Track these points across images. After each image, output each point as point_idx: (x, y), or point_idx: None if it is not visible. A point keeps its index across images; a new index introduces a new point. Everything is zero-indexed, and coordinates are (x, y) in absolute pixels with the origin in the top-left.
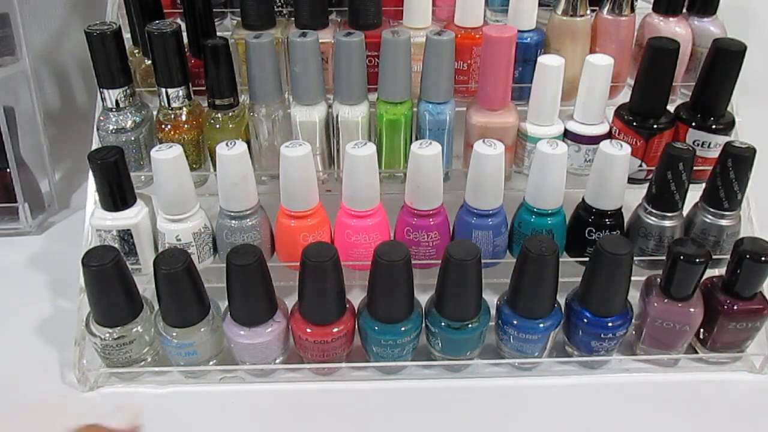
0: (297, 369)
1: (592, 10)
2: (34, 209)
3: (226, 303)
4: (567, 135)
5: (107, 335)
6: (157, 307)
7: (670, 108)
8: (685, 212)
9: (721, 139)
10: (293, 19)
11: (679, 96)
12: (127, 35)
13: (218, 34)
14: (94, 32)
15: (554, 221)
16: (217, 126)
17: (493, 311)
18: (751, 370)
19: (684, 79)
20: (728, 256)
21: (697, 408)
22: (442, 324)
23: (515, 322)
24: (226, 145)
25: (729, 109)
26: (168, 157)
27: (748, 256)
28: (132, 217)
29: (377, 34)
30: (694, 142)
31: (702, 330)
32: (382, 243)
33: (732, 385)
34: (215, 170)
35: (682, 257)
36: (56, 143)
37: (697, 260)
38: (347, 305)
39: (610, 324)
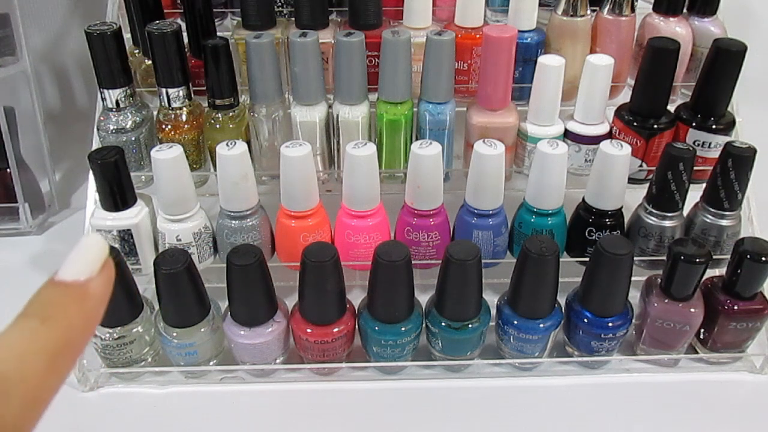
0: (297, 369)
1: (593, 10)
2: (35, 209)
3: (227, 303)
4: (567, 135)
5: (107, 335)
6: (157, 307)
7: (671, 108)
8: (685, 212)
9: (722, 139)
10: (293, 19)
11: (679, 96)
12: (127, 35)
13: (218, 34)
14: (94, 32)
15: (554, 221)
16: (218, 126)
17: (493, 311)
18: (751, 370)
19: (684, 79)
20: (729, 256)
21: (698, 408)
22: (443, 324)
23: (515, 322)
24: (227, 145)
25: (729, 109)
26: (168, 157)
27: (748, 256)
28: (132, 217)
29: (377, 34)
30: (694, 142)
31: (702, 330)
32: (383, 243)
33: (732, 386)
34: (215, 170)
35: (682, 257)
36: (56, 143)
37: (698, 260)
38: (347, 305)
39: (610, 324)
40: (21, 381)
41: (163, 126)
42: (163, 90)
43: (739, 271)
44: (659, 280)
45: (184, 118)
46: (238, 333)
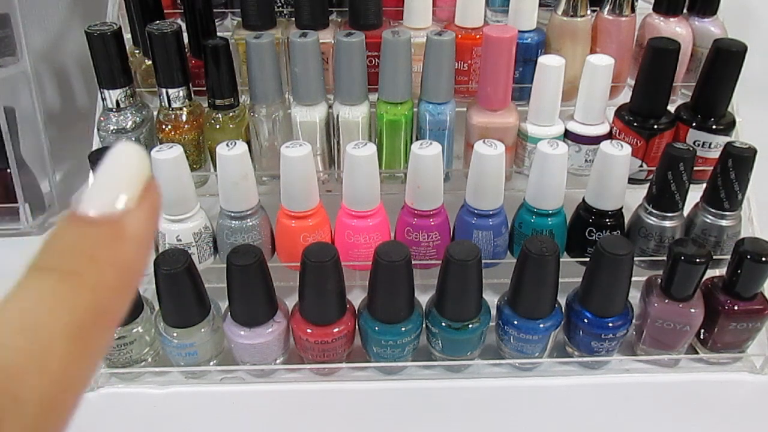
0: (297, 369)
1: (593, 11)
2: (35, 209)
3: (227, 303)
4: (567, 135)
5: None
6: (157, 307)
7: (671, 108)
8: (685, 213)
9: (722, 140)
10: (293, 19)
11: (679, 96)
12: (127, 35)
13: (219, 34)
14: (94, 32)
15: (555, 221)
16: (218, 126)
17: (493, 311)
18: (751, 370)
19: (684, 79)
20: (729, 257)
21: (698, 408)
22: (443, 324)
23: (516, 322)
24: (227, 145)
25: (729, 109)
26: (168, 157)
27: (748, 257)
28: None
29: (378, 34)
30: (694, 143)
31: (702, 330)
32: (383, 243)
33: (732, 386)
34: (215, 170)
35: (682, 257)
36: (57, 143)
37: (698, 260)
38: (348, 305)
39: (610, 324)
40: (37, 374)
41: (164, 126)
42: (164, 90)
43: (739, 271)
44: (659, 280)
45: (184, 118)
46: (238, 333)
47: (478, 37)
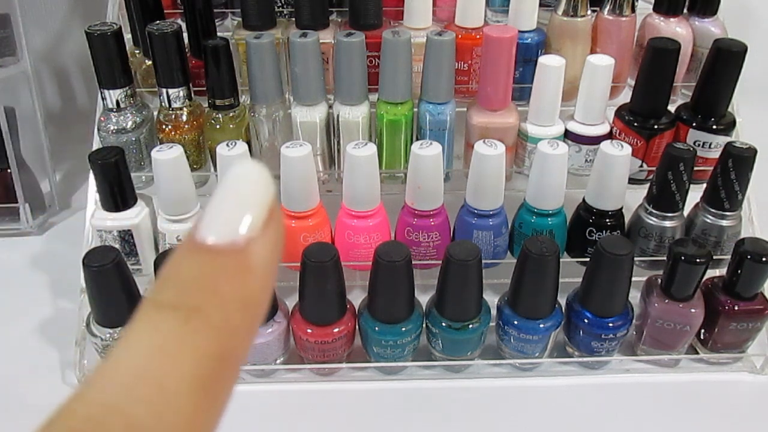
0: (297, 369)
1: (593, 11)
2: (35, 209)
3: None
4: (567, 135)
5: (108, 335)
6: None
7: (671, 108)
8: (685, 213)
9: (722, 140)
10: (294, 19)
11: (679, 96)
12: (127, 35)
13: (219, 34)
14: (94, 32)
15: (555, 221)
16: (218, 126)
17: (493, 311)
18: (751, 370)
19: (685, 79)
20: (729, 257)
21: (698, 408)
22: (443, 324)
23: (516, 322)
24: (227, 145)
25: (730, 109)
26: (168, 157)
27: (749, 257)
28: (133, 217)
29: (378, 34)
30: (694, 143)
31: (703, 330)
32: (383, 243)
33: (733, 386)
34: (216, 170)
35: (682, 257)
36: (57, 143)
37: (698, 261)
38: (348, 305)
39: (610, 324)
40: (160, 430)
41: (164, 126)
42: (164, 90)
43: (739, 271)
44: (659, 280)
45: (184, 118)
46: None
47: (478, 37)
